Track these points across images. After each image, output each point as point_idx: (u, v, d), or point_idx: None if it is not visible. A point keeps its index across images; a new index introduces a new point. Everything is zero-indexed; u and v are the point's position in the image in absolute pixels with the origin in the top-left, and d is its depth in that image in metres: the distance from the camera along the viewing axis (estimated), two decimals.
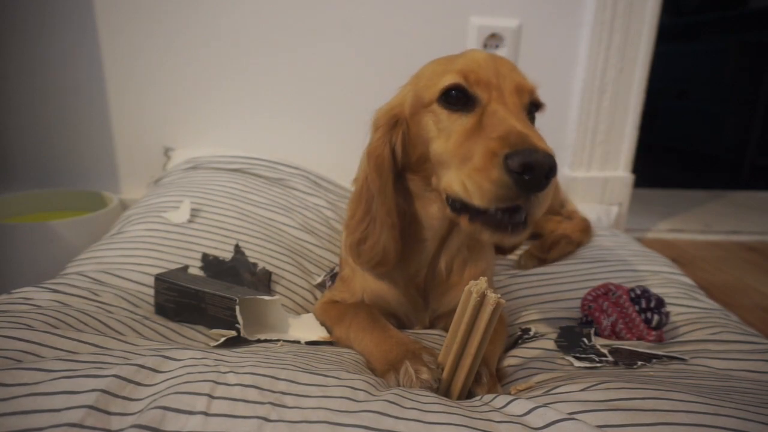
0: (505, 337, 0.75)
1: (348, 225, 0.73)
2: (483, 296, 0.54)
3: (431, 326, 0.79)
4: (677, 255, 1.51)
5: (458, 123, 0.61)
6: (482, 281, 0.54)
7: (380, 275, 0.75)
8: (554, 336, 0.75)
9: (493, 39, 1.41)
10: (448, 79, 0.62)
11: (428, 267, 0.75)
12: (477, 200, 0.54)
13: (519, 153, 0.51)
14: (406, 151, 0.69)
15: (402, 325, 0.79)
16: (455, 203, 0.60)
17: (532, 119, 0.65)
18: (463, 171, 0.56)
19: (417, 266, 0.75)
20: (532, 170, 0.50)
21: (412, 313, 0.78)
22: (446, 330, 0.59)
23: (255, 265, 0.88)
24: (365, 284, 0.77)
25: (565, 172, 1.52)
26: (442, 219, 0.70)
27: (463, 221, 0.60)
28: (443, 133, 0.62)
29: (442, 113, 0.63)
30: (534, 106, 0.65)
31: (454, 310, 0.76)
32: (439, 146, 0.62)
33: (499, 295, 0.54)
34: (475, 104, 0.61)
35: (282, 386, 0.50)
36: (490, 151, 0.53)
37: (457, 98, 0.61)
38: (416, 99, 0.66)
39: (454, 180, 0.58)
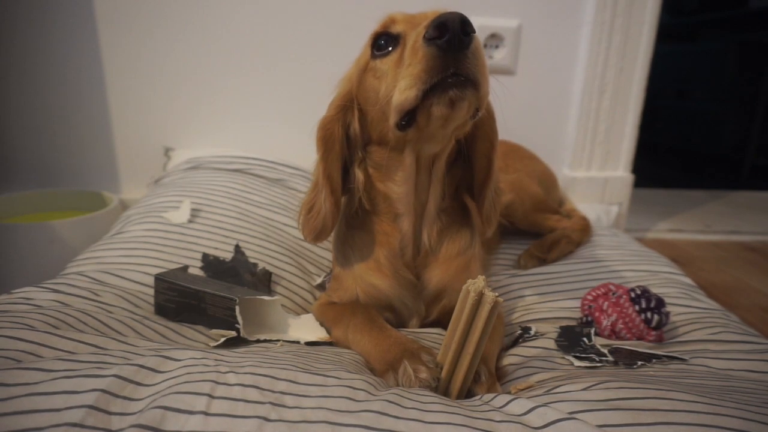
0: (502, 335, 0.75)
1: (304, 198, 0.77)
2: (481, 295, 0.54)
3: (427, 315, 0.79)
4: (677, 255, 1.51)
5: (389, 60, 0.64)
6: (480, 280, 0.54)
7: (367, 264, 0.76)
8: (554, 335, 0.75)
9: (493, 39, 1.41)
10: (373, 33, 0.67)
11: (413, 243, 0.76)
12: (414, 89, 0.57)
13: (431, 23, 0.53)
14: (365, 128, 0.73)
15: (400, 319, 0.79)
16: (401, 121, 0.62)
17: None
18: (399, 84, 0.59)
19: (401, 244, 0.76)
20: (446, 28, 0.52)
21: (406, 298, 0.77)
22: (445, 328, 0.59)
23: (255, 265, 0.88)
24: (357, 277, 0.77)
25: (565, 171, 1.52)
26: (406, 182, 0.72)
27: (416, 124, 0.62)
28: (383, 78, 0.65)
29: (376, 63, 0.67)
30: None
31: (447, 296, 0.76)
32: (383, 89, 0.65)
33: (496, 294, 0.54)
34: (399, 39, 0.64)
35: (282, 386, 0.50)
36: (414, 46, 0.56)
37: (385, 43, 0.66)
38: (358, 70, 0.71)
39: (395, 96, 0.60)
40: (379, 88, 0.66)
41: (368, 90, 0.69)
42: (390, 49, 0.65)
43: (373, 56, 0.67)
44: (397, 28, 0.65)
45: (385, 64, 0.65)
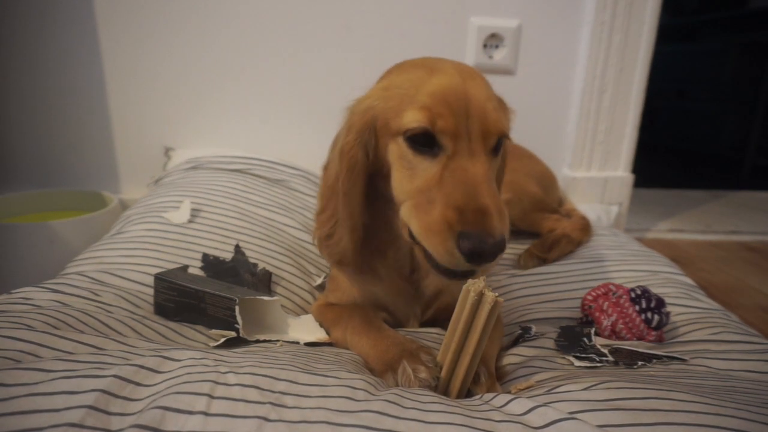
0: (502, 335, 0.75)
1: (318, 218, 0.74)
2: (481, 295, 0.54)
3: (424, 314, 0.79)
4: (677, 255, 1.51)
5: (422, 167, 0.60)
6: (480, 280, 0.54)
7: (363, 272, 0.76)
8: (554, 335, 0.74)
9: (493, 39, 1.41)
10: (416, 120, 0.59)
11: (411, 257, 0.75)
12: (435, 255, 0.57)
13: (470, 238, 0.53)
14: (377, 158, 0.67)
15: (397, 320, 0.79)
16: (412, 234, 0.61)
17: (497, 149, 0.62)
18: (422, 221, 0.58)
19: (399, 261, 0.75)
20: (480, 257, 0.53)
21: (401, 302, 0.77)
22: (444, 327, 0.59)
23: (255, 265, 0.88)
24: (353, 280, 0.77)
25: (565, 172, 1.52)
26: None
27: (419, 252, 0.62)
28: (406, 169, 0.61)
29: (407, 151, 0.61)
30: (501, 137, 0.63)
31: (442, 299, 0.76)
32: (400, 182, 0.62)
33: (496, 294, 0.54)
34: (441, 150, 0.59)
35: (282, 386, 0.50)
36: (447, 221, 0.54)
37: (424, 140, 0.60)
38: (383, 119, 0.63)
39: (414, 225, 0.59)
40: (397, 169, 0.63)
41: (388, 152, 0.64)
42: (428, 150, 0.60)
43: (407, 140, 0.61)
44: (443, 140, 0.59)
45: (416, 162, 0.60)
